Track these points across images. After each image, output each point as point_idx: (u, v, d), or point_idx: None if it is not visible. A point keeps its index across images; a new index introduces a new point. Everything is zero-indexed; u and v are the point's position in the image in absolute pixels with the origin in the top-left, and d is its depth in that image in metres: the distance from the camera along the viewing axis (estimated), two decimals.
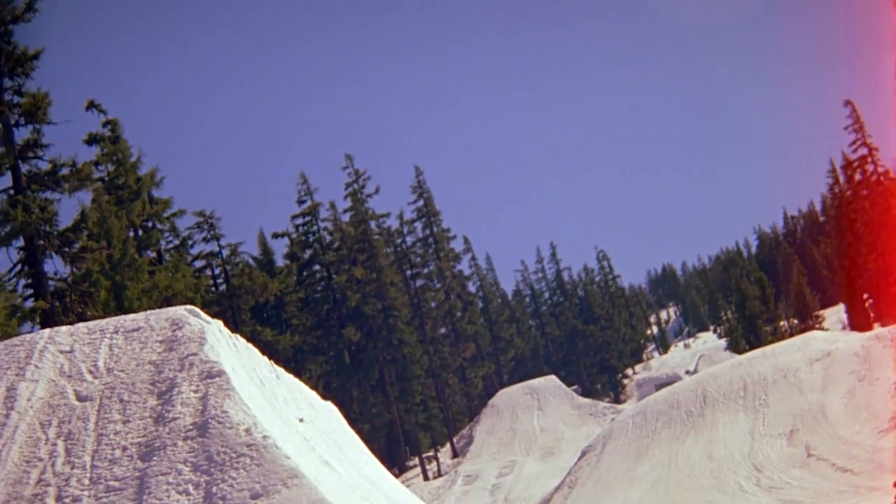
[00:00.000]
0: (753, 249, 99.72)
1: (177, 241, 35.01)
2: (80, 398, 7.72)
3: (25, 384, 7.93)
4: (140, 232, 29.80)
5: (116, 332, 8.63)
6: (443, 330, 54.96)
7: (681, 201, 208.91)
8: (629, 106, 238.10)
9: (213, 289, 37.60)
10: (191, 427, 7.06)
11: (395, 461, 46.90)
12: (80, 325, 9.01)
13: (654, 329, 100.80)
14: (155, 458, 6.84)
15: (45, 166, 22.81)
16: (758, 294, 53.10)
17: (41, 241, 22.39)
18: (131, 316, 9.11)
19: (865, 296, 50.03)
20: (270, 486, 6.39)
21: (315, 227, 47.01)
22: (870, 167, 49.75)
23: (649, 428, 24.98)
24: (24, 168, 22.68)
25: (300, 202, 46.68)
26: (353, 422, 13.25)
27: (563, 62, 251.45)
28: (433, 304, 53.81)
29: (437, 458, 45.79)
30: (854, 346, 23.12)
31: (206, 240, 38.12)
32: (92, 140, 28.62)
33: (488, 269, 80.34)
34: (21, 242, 22.28)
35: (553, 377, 48.11)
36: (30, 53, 22.74)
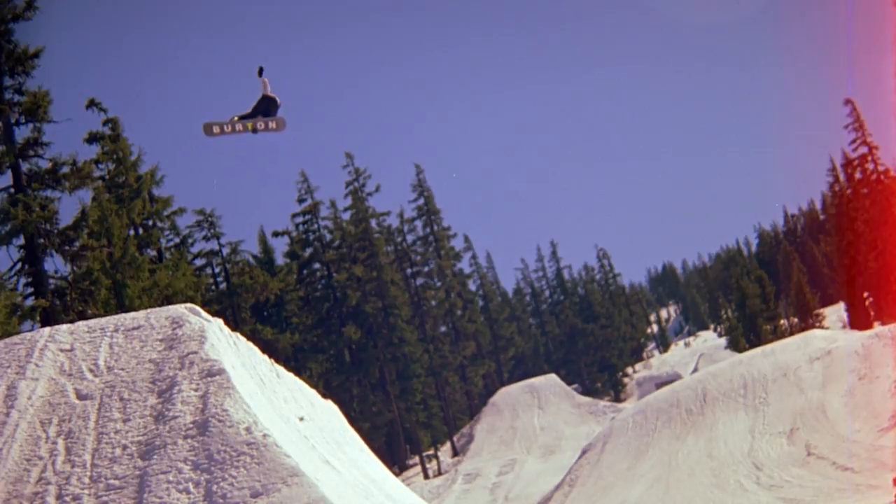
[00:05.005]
0: (754, 248, 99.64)
1: (177, 240, 35.07)
2: (81, 397, 7.73)
3: (26, 382, 7.93)
4: (140, 230, 29.79)
5: (117, 330, 8.63)
6: (443, 328, 54.94)
7: (681, 199, 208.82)
8: (629, 104, 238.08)
9: (213, 287, 37.64)
10: (191, 425, 7.06)
11: (395, 460, 46.92)
12: (81, 323, 9.02)
13: (655, 328, 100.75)
14: (155, 457, 6.84)
15: (45, 165, 22.88)
16: (758, 292, 53.08)
17: (41, 240, 22.41)
18: (131, 314, 9.11)
19: (866, 294, 50.03)
20: (271, 485, 6.39)
21: (315, 226, 47.04)
22: (870, 166, 49.83)
23: (649, 427, 24.98)
24: (25, 166, 22.71)
25: (300, 200, 46.74)
26: (353, 420, 13.26)
27: (563, 60, 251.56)
28: (433, 303, 53.81)
29: (437, 457, 45.81)
30: (854, 345, 23.11)
31: (206, 238, 38.19)
32: (92, 138, 28.57)
33: (488, 267, 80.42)
34: (21, 241, 22.31)
35: (553, 376, 48.11)
36: (30, 52, 22.76)
